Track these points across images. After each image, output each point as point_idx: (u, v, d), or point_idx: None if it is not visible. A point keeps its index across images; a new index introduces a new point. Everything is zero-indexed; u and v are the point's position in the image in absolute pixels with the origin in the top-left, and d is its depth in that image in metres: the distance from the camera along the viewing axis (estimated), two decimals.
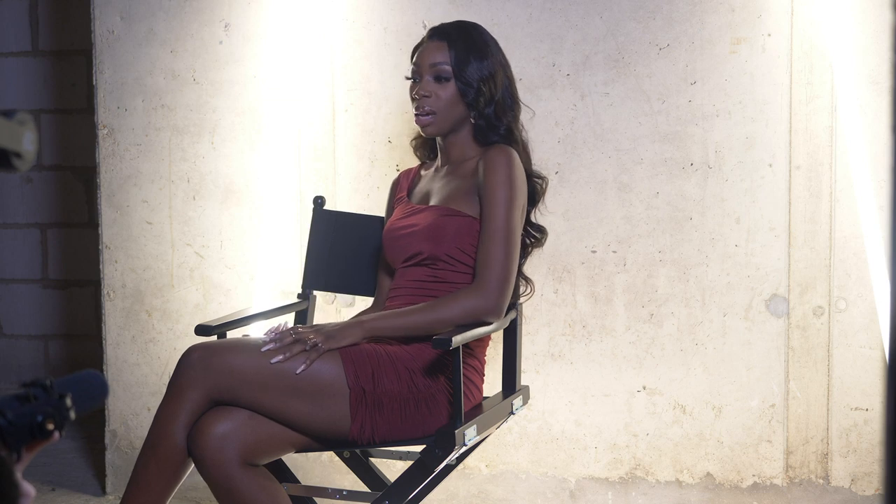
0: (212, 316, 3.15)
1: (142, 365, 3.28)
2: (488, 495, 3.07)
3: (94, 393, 1.11)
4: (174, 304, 3.25)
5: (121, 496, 2.29)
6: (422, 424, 2.23)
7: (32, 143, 1.03)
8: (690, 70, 2.89)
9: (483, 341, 2.39)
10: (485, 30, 2.44)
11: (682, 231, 2.92)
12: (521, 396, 2.46)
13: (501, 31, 2.92)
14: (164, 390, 2.41)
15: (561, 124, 2.97)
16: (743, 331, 2.91)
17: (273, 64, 3.13)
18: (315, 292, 2.67)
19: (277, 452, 2.21)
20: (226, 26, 3.17)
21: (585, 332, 2.99)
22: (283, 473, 2.40)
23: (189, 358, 2.17)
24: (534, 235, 2.45)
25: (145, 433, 2.26)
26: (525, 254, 2.45)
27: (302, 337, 2.20)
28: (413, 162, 2.68)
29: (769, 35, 2.85)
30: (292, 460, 2.80)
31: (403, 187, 2.54)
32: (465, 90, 2.35)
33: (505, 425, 2.66)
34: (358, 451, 2.52)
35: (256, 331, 2.79)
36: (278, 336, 2.21)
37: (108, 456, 3.32)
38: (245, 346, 2.20)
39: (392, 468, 2.77)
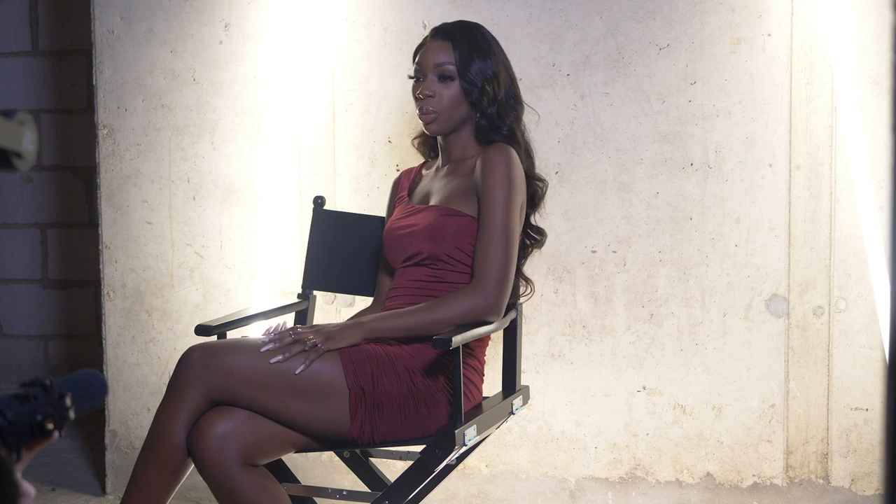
0: (212, 316, 3.15)
1: (142, 365, 3.28)
2: (488, 495, 3.07)
3: (94, 393, 1.11)
4: (174, 304, 3.25)
5: (121, 496, 2.29)
6: (422, 424, 2.23)
7: (32, 143, 1.03)
8: (690, 70, 2.89)
9: (483, 341, 2.39)
10: (486, 29, 2.44)
11: (682, 231, 2.92)
12: (521, 396, 2.46)
13: (501, 31, 2.92)
14: (164, 390, 2.40)
15: (561, 124, 2.97)
16: (743, 331, 2.91)
17: (273, 64, 3.13)
18: (315, 292, 2.67)
19: (277, 452, 2.21)
20: (226, 26, 3.17)
21: (585, 332, 2.99)
22: (283, 473, 2.39)
23: (189, 358, 2.17)
24: (533, 237, 2.45)
25: (145, 433, 2.26)
26: (525, 254, 2.45)
27: (301, 337, 2.20)
28: (413, 161, 2.68)
29: (769, 35, 2.85)
30: (292, 460, 2.80)
31: (405, 186, 2.54)
32: (470, 90, 2.35)
33: (505, 425, 2.66)
34: (358, 451, 2.52)
35: (256, 331, 2.79)
36: (278, 336, 2.21)
37: (108, 456, 3.32)
38: (245, 346, 2.20)
39: (392, 468, 2.77)
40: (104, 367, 3.32)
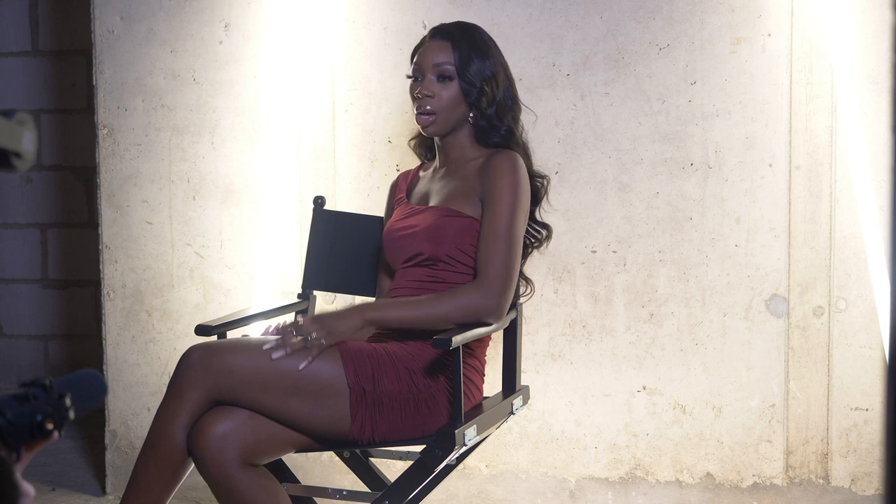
0: (212, 316, 3.14)
1: (142, 365, 3.28)
2: (488, 495, 3.07)
3: (94, 393, 1.11)
4: (174, 304, 3.25)
5: (121, 496, 2.29)
6: (422, 424, 2.23)
7: (32, 143, 1.03)
8: (690, 70, 2.89)
9: (483, 341, 2.39)
10: (484, 31, 2.44)
11: (682, 231, 2.92)
12: (521, 396, 2.46)
13: (501, 31, 2.92)
14: (164, 390, 2.41)
15: (561, 124, 2.97)
16: (743, 331, 2.91)
17: (273, 64, 3.13)
18: (315, 292, 2.67)
19: (277, 452, 2.21)
20: (226, 26, 3.17)
21: (585, 332, 2.99)
22: (283, 473, 2.39)
23: (189, 358, 2.18)
24: (537, 235, 2.45)
25: (145, 433, 2.26)
26: (525, 254, 2.45)
27: (303, 332, 2.20)
28: (413, 161, 2.68)
29: (769, 35, 2.85)
30: (292, 460, 2.80)
31: (402, 188, 2.54)
32: (469, 90, 2.35)
33: (505, 425, 2.66)
34: (358, 451, 2.52)
35: (256, 331, 2.79)
36: (280, 331, 2.21)
37: (108, 456, 3.32)
38: (245, 346, 2.20)
39: (392, 468, 2.77)
40: (104, 367, 3.32)
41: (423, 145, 2.56)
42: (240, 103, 3.17)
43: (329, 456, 3.09)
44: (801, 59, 2.82)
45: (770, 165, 2.87)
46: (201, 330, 2.33)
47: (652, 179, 2.93)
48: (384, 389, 2.20)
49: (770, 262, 2.88)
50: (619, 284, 2.96)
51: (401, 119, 3.05)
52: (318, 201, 2.68)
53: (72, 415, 1.05)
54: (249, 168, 3.18)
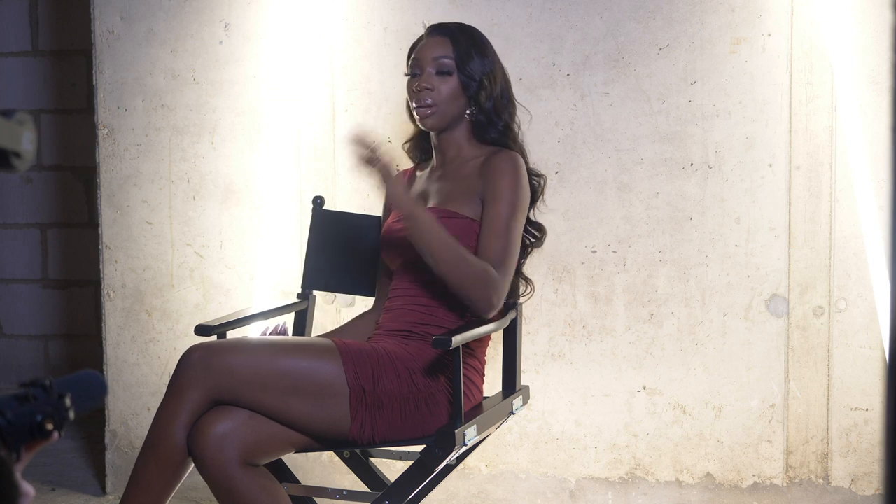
0: (212, 316, 3.15)
1: (142, 365, 3.28)
2: (488, 495, 3.07)
3: (94, 393, 1.11)
4: (174, 304, 3.25)
5: (121, 496, 2.29)
6: (422, 424, 2.23)
7: (31, 143, 1.03)
8: (690, 70, 2.89)
9: (483, 341, 2.39)
10: (481, 32, 2.46)
11: (682, 231, 2.92)
12: (521, 396, 2.46)
13: (501, 31, 2.92)
14: (164, 390, 2.41)
15: (561, 124, 2.97)
16: (743, 331, 2.91)
17: (273, 64, 3.13)
18: (315, 292, 2.67)
19: (277, 452, 2.21)
20: (226, 26, 3.17)
21: (585, 332, 2.99)
22: (283, 473, 2.39)
23: (189, 358, 2.17)
24: (534, 235, 2.45)
25: (145, 433, 2.26)
26: (525, 254, 2.45)
27: (374, 155, 2.19)
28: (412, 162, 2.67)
29: (769, 35, 2.85)
30: (292, 460, 2.80)
31: None
32: (468, 83, 2.36)
33: (505, 425, 2.66)
34: (358, 451, 2.52)
35: (256, 331, 2.80)
36: (356, 139, 2.21)
37: (108, 456, 3.32)
38: (245, 346, 2.20)
39: (392, 468, 2.77)
40: (104, 367, 3.32)
41: (418, 147, 2.55)
42: (240, 103, 3.17)
43: (329, 456, 3.09)
44: (801, 59, 2.82)
45: (770, 165, 2.87)
46: (201, 330, 2.33)
47: (652, 179, 2.93)
48: (384, 389, 2.20)
49: (770, 262, 2.88)
50: (619, 284, 2.96)
51: (401, 119, 3.05)
52: (318, 201, 2.68)
53: (72, 415, 1.05)
54: (249, 168, 3.18)
